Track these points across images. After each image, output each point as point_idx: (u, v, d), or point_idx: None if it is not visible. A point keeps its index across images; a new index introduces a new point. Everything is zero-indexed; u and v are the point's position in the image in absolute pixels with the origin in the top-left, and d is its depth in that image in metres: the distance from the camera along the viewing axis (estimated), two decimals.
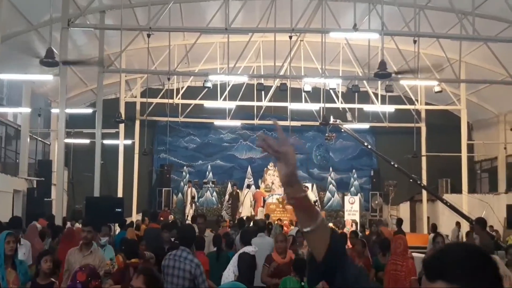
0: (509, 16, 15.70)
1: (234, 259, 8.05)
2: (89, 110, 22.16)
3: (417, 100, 25.19)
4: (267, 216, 19.92)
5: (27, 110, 21.70)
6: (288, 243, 8.80)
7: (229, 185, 27.19)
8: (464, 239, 17.05)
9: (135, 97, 26.07)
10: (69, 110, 19.18)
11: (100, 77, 18.33)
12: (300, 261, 7.31)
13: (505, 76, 17.89)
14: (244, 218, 16.68)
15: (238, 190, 26.34)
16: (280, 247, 8.23)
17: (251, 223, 14.89)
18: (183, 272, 6.00)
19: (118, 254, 7.16)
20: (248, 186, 26.66)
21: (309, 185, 27.15)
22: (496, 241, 13.79)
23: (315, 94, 23.05)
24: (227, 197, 26.77)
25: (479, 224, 10.79)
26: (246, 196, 25.80)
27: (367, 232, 17.52)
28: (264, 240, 9.41)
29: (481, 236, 10.21)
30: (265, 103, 25.10)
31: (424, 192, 25.48)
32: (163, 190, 26.53)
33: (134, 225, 15.44)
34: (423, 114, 26.79)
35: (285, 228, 17.93)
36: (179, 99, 25.15)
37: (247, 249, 8.11)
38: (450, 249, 1.63)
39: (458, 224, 20.28)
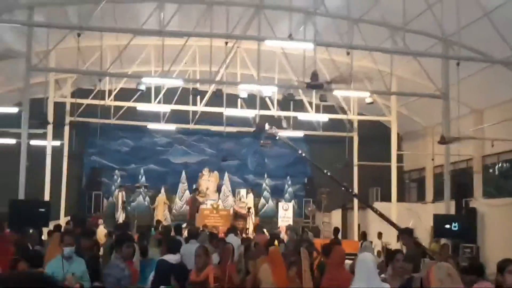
0: (437, 32, 16.18)
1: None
2: (15, 109, 21.21)
3: (349, 110, 25.63)
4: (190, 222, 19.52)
5: None
6: (226, 254, 8.44)
7: (162, 190, 26.77)
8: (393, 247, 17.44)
9: (65, 97, 25.23)
10: None
11: (26, 75, 17.58)
12: None
13: (434, 89, 18.43)
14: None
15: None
16: (198, 261, 7.56)
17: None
18: None
19: None
20: (194, 190, 26.14)
21: (244, 190, 27.17)
22: (423, 249, 14.14)
23: (251, 101, 23.03)
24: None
25: (407, 233, 11.08)
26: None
27: None
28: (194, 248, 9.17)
29: (409, 245, 10.47)
30: (200, 108, 24.86)
31: (355, 200, 25.93)
32: (93, 194, 25.81)
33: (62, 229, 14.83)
34: (355, 124, 27.26)
35: (221, 235, 17.63)
36: (111, 100, 24.47)
37: (167, 257, 7.75)
38: None
39: (380, 234, 20.56)
